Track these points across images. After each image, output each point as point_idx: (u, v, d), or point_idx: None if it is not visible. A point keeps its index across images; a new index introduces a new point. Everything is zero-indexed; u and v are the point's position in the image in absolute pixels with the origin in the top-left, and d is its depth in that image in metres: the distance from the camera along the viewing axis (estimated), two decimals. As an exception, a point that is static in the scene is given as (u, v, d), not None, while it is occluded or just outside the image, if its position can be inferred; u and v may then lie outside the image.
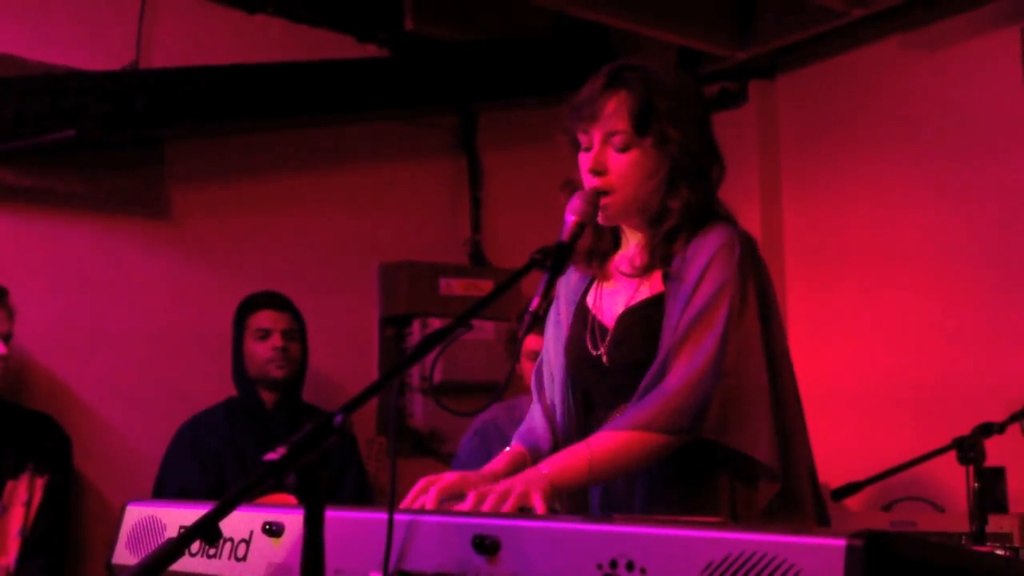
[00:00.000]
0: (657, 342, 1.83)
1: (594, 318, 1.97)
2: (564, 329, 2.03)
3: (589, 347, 1.94)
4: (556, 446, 1.98)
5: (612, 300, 1.97)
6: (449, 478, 1.76)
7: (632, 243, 1.98)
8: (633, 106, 1.85)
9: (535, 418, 2.05)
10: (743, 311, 1.81)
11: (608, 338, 1.92)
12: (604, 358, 1.92)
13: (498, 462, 1.93)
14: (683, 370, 1.76)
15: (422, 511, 1.60)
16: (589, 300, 2.01)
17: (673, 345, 1.79)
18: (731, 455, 1.78)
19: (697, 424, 1.75)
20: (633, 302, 1.92)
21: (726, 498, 1.81)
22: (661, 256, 1.89)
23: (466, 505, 1.63)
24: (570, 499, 1.88)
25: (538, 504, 1.64)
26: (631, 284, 1.94)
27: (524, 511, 1.63)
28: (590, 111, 1.87)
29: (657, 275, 1.91)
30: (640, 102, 1.85)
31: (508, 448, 2.00)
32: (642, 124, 1.85)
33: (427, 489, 1.73)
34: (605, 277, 2.01)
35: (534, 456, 1.97)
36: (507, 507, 1.61)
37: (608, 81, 1.89)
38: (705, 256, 1.83)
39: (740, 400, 1.77)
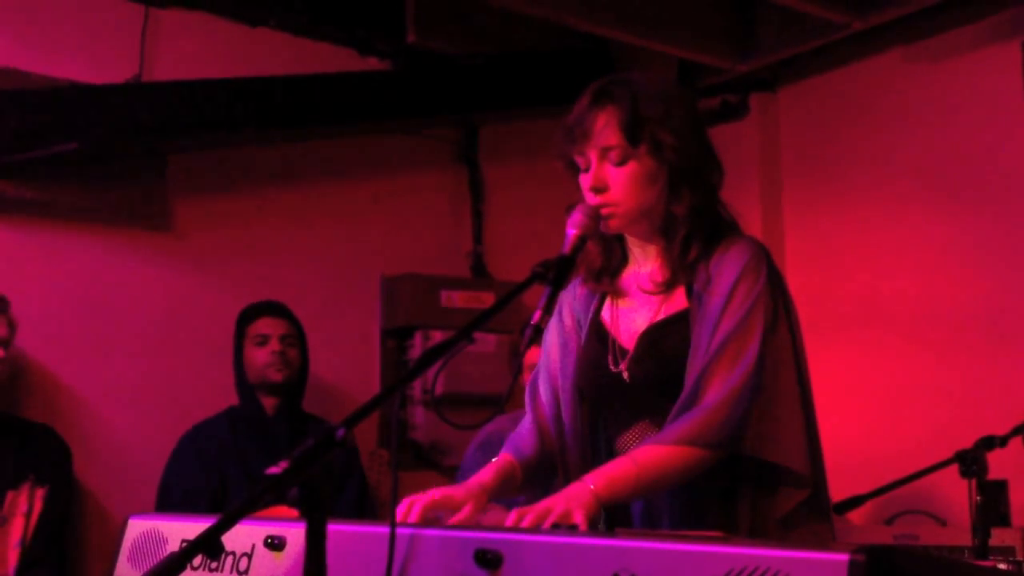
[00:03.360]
0: (681, 359, 1.83)
1: (612, 335, 1.96)
2: (572, 344, 2.02)
3: (609, 364, 1.93)
4: (542, 455, 2.00)
5: (631, 317, 1.96)
6: (433, 495, 1.76)
7: (641, 257, 1.97)
8: (622, 118, 1.86)
9: (524, 425, 2.05)
10: (776, 326, 1.84)
11: (629, 355, 1.92)
12: (624, 375, 1.91)
13: (486, 473, 1.93)
14: (721, 386, 1.77)
15: (424, 525, 1.60)
16: (604, 317, 2.00)
17: (708, 363, 1.79)
18: (756, 466, 1.79)
19: (736, 439, 1.76)
20: (656, 319, 1.92)
21: (747, 508, 1.81)
22: (683, 271, 1.89)
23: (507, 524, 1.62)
24: (611, 514, 1.87)
25: (580, 521, 1.63)
26: (653, 301, 1.93)
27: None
28: (581, 131, 1.88)
29: (680, 291, 1.91)
30: (628, 113, 1.85)
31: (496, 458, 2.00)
32: (634, 134, 1.86)
33: (411, 510, 1.73)
34: (618, 293, 2.00)
35: (520, 461, 1.98)
36: (547, 525, 1.60)
37: (594, 98, 1.89)
38: (732, 274, 1.84)
39: (774, 413, 1.79)
